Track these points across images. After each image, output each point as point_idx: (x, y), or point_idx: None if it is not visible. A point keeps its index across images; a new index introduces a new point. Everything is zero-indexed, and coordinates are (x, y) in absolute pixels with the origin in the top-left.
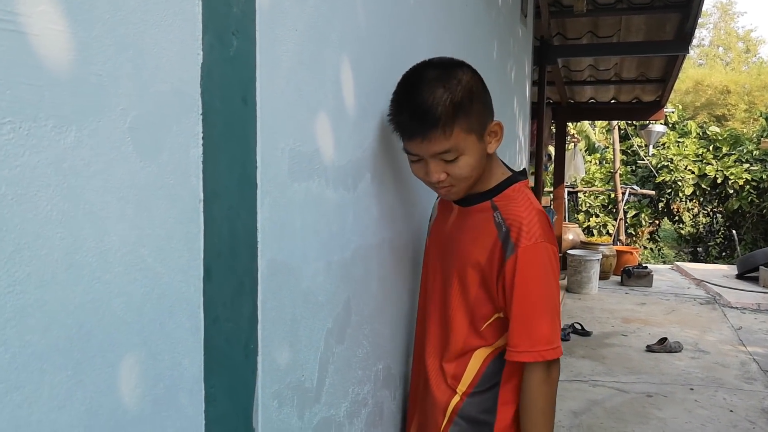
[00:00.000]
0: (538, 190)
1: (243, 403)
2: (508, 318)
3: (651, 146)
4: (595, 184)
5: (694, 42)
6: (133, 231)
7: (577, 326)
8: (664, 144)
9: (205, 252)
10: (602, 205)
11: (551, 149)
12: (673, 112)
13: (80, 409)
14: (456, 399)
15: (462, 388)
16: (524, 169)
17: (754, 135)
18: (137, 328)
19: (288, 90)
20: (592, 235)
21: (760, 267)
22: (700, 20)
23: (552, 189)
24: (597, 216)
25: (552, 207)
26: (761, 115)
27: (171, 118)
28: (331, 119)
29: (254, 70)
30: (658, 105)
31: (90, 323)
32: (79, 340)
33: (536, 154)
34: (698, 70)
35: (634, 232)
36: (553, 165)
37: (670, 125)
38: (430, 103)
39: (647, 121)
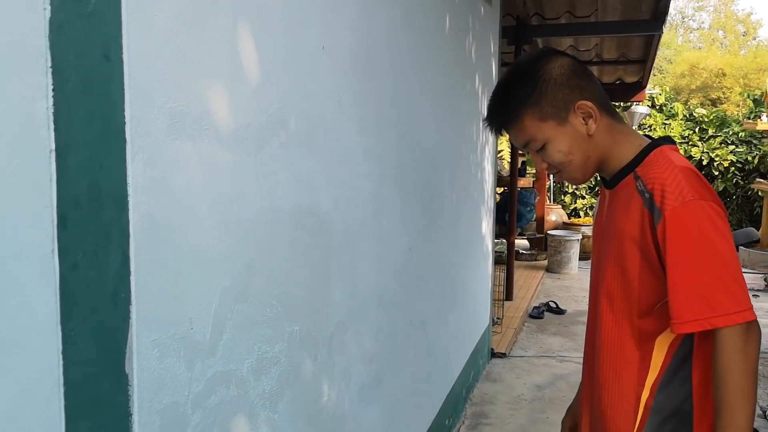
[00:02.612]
0: (513, 172)
1: (111, 349)
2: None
3: (635, 127)
4: None
5: (694, 25)
6: None
7: (552, 304)
8: (650, 126)
9: (58, 200)
10: (589, 186)
11: None
12: (660, 94)
13: None
14: (646, 393)
15: (650, 381)
16: (669, 136)
17: (742, 117)
18: None
19: (166, 50)
20: (579, 216)
21: (740, 247)
22: (700, 3)
23: (535, 170)
24: (583, 197)
25: (534, 188)
26: (748, 97)
27: (11, 68)
28: (225, 83)
29: (119, 28)
30: (639, 86)
31: None
32: None
33: None
34: (694, 52)
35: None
36: None
37: (657, 107)
38: (498, 101)
39: (630, 102)
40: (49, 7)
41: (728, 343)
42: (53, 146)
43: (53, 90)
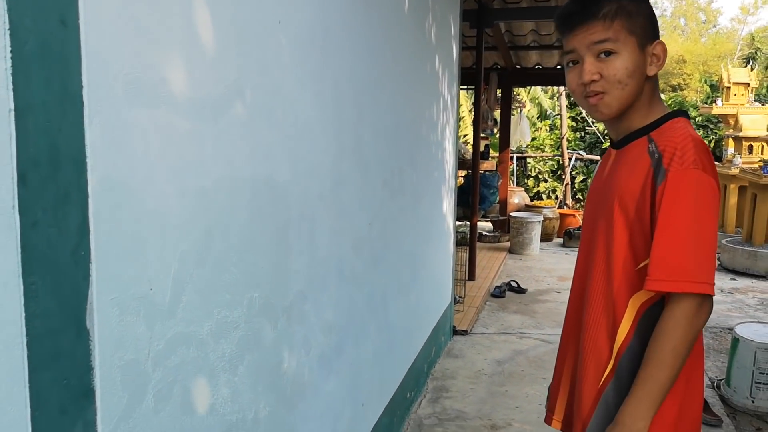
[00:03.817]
0: (476, 155)
1: (72, 304)
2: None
3: None
4: (545, 149)
5: (656, 12)
6: None
7: (513, 284)
8: None
9: (18, 158)
10: (551, 170)
11: (497, 115)
12: None
13: None
14: (615, 349)
15: (619, 339)
16: (684, 109)
17: (700, 102)
18: None
19: (122, 19)
20: (542, 199)
21: None
22: None
23: (497, 153)
24: (546, 181)
25: (498, 171)
26: (706, 83)
27: None
28: (181, 53)
29: None
30: None
31: None
32: None
33: (474, 118)
34: None
35: (582, 197)
36: (498, 130)
37: None
38: None
39: None
40: None
41: (681, 308)
42: (12, 106)
43: (11, 51)
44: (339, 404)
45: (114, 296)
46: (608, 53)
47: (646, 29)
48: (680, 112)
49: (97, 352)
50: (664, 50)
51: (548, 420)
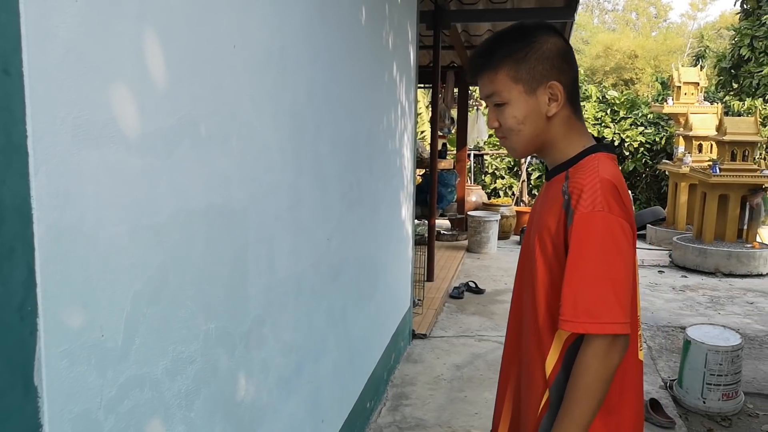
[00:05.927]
0: (434, 154)
1: (19, 362)
2: None
3: None
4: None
5: (609, 7)
6: None
7: (471, 284)
8: None
9: None
10: (508, 167)
11: (454, 113)
12: None
13: None
14: (548, 380)
15: (548, 371)
16: (611, 142)
17: (652, 98)
18: None
19: (68, 61)
20: (499, 196)
21: (647, 225)
22: None
23: (456, 151)
24: (503, 178)
25: (455, 169)
26: (657, 80)
27: None
28: (131, 88)
29: (18, 42)
30: None
31: None
32: None
33: (432, 118)
34: (608, 35)
35: (538, 193)
36: (455, 128)
37: None
38: (488, 47)
39: None
40: None
41: (591, 348)
42: None
43: None
44: (299, 424)
45: (63, 348)
46: (499, 105)
47: (536, 74)
48: (602, 146)
49: (46, 407)
50: (559, 89)
51: None
